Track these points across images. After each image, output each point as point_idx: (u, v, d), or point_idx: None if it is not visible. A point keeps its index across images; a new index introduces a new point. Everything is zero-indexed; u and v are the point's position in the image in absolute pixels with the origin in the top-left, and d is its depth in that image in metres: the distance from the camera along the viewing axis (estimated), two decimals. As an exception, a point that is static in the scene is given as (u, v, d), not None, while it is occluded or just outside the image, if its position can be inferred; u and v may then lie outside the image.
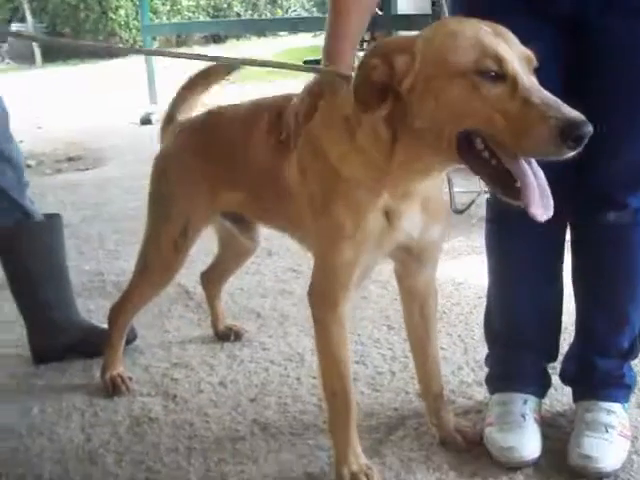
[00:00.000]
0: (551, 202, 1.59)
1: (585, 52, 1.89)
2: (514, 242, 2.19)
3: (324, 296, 1.94)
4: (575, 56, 1.91)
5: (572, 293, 2.23)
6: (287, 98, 2.04)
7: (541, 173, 1.60)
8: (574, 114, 1.45)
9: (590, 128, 1.45)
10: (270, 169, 2.06)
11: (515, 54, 1.54)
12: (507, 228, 2.19)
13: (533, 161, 1.59)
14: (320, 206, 1.86)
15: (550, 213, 1.59)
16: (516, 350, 2.24)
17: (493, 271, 2.28)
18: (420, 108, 1.61)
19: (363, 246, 1.84)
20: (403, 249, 1.94)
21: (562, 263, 2.22)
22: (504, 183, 1.60)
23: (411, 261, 2.03)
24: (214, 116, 2.38)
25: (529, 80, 1.53)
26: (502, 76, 1.52)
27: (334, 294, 1.91)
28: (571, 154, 1.49)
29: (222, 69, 2.57)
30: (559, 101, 1.48)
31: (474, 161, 1.60)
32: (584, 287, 2.19)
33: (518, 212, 2.12)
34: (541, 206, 1.58)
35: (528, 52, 1.58)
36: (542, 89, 1.51)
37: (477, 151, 1.58)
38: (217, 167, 2.26)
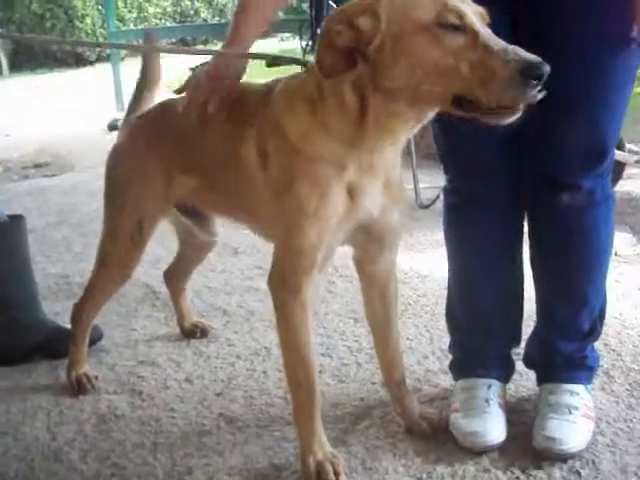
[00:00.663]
0: None
1: (534, 21, 1.93)
2: (472, 229, 2.21)
3: (286, 279, 1.92)
4: (525, 24, 1.94)
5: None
6: (241, 85, 2.07)
7: None
8: (532, 56, 1.53)
9: (547, 67, 1.52)
10: (226, 154, 2.05)
11: (471, 10, 1.60)
12: (465, 215, 2.22)
13: None
14: (282, 187, 1.85)
15: None
16: (478, 337, 2.26)
17: (453, 259, 2.30)
18: (390, 67, 1.63)
19: (327, 225, 1.83)
20: (363, 231, 1.94)
21: (521, 248, 2.24)
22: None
23: (371, 245, 2.03)
24: (165, 107, 2.38)
25: (487, 31, 1.59)
26: (462, 29, 1.58)
27: (297, 277, 1.89)
28: (535, 96, 1.55)
29: (156, 62, 2.60)
30: (516, 47, 1.55)
31: (467, 108, 1.63)
32: (542, 271, 2.20)
33: (476, 199, 2.16)
34: None
35: (481, 9, 1.63)
36: (499, 39, 1.58)
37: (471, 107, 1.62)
38: (170, 156, 2.26)
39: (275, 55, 2.12)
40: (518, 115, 1.61)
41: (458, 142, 2.10)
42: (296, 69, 2.07)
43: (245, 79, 2.08)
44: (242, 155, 1.97)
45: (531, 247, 2.21)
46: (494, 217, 2.16)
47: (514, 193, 2.12)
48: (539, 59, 1.52)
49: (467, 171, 2.14)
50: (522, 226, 2.21)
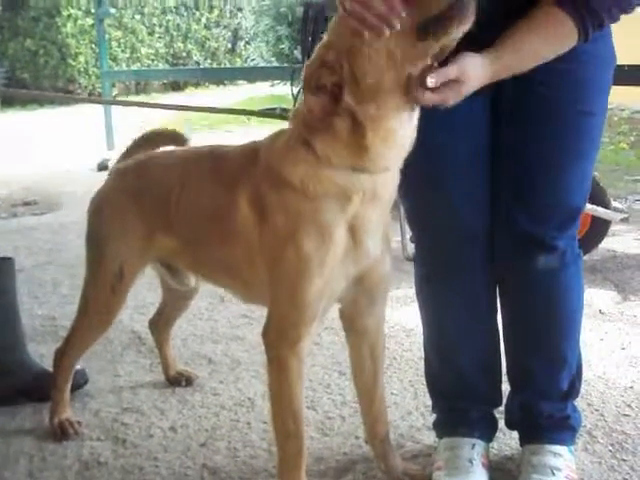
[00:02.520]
0: None
1: (512, 99, 1.99)
2: (444, 296, 2.23)
3: (286, 332, 1.93)
4: (503, 100, 2.00)
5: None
6: (220, 147, 2.16)
7: None
8: None
9: None
10: (211, 216, 2.09)
11: None
12: (437, 284, 2.24)
13: None
14: (282, 240, 1.87)
15: None
16: (460, 401, 2.27)
17: (427, 326, 2.32)
18: (366, 66, 1.71)
19: (332, 272, 1.86)
20: (358, 280, 1.95)
21: (495, 310, 2.26)
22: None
23: (363, 298, 2.05)
24: (149, 160, 2.42)
25: None
26: None
27: (299, 329, 1.91)
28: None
29: (168, 137, 2.63)
30: None
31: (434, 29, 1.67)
32: (518, 332, 2.22)
33: (445, 263, 2.18)
34: None
35: None
36: None
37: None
38: (151, 211, 2.28)
39: (255, 111, 2.15)
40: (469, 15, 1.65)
41: (431, 203, 2.13)
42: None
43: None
44: (232, 215, 1.99)
45: (504, 309, 2.23)
46: (467, 282, 2.18)
47: (487, 256, 2.15)
48: None
49: (439, 236, 2.17)
50: (495, 289, 2.23)
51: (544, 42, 1.83)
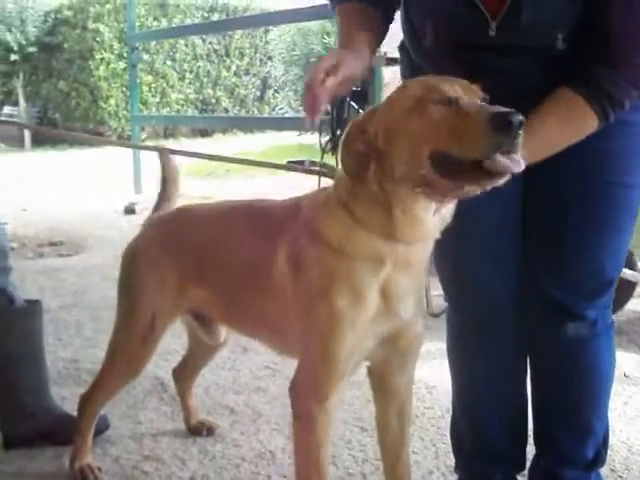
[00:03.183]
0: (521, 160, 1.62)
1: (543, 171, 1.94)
2: (475, 357, 2.23)
3: (316, 388, 1.92)
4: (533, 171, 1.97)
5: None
6: (259, 201, 2.16)
7: None
8: (502, 108, 1.56)
9: (520, 117, 1.54)
10: (250, 268, 2.09)
11: (460, 86, 1.67)
12: (467, 343, 2.24)
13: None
14: (318, 295, 1.87)
15: (521, 167, 1.61)
16: (484, 462, 2.26)
17: (457, 384, 2.31)
18: (395, 151, 1.71)
19: (363, 330, 1.86)
20: (391, 338, 1.95)
21: (525, 372, 2.25)
22: (479, 174, 1.62)
23: (394, 356, 2.04)
24: (184, 213, 2.45)
25: (472, 100, 1.64)
26: (447, 102, 1.64)
27: (327, 385, 1.90)
28: (509, 140, 1.55)
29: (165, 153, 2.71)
30: (497, 106, 1.58)
31: (450, 173, 1.64)
32: (545, 398, 2.21)
33: (481, 328, 2.18)
34: (510, 163, 1.60)
35: (473, 85, 1.70)
36: (484, 104, 1.63)
37: (451, 164, 1.63)
38: (185, 266, 2.30)
39: (305, 169, 2.19)
40: (500, 181, 1.62)
41: (461, 273, 2.15)
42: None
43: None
44: (269, 268, 2.00)
45: (532, 375, 2.22)
46: (498, 347, 2.19)
47: (517, 322, 2.15)
48: (509, 110, 1.55)
49: (470, 303, 2.18)
50: (525, 353, 2.22)
51: (563, 130, 1.83)
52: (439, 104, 1.64)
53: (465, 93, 1.66)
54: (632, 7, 1.77)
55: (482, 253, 2.07)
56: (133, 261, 2.46)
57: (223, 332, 2.72)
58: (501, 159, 1.57)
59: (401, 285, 1.86)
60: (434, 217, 1.79)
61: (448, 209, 1.81)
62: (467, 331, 2.23)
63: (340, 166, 1.81)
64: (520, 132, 1.55)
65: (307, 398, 1.94)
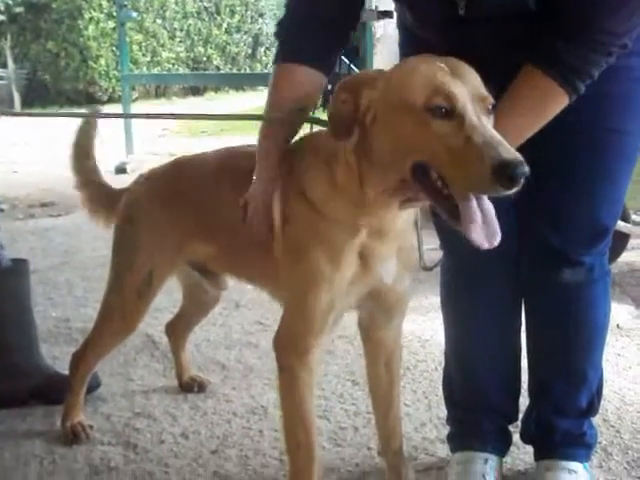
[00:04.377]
0: (497, 233, 1.60)
1: None
2: (470, 305, 2.21)
3: (295, 343, 1.92)
4: None
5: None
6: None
7: (489, 206, 1.61)
8: (510, 155, 1.48)
9: (526, 169, 1.47)
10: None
11: (468, 93, 1.58)
12: (462, 291, 2.22)
13: (484, 197, 1.61)
14: (299, 251, 1.86)
15: (495, 242, 1.60)
16: (476, 412, 2.25)
17: (450, 334, 2.30)
18: (378, 140, 1.66)
19: (339, 290, 1.84)
20: (373, 297, 1.94)
21: (520, 323, 2.24)
22: (451, 210, 1.61)
23: (380, 312, 2.03)
24: (182, 165, 2.39)
25: (477, 119, 1.55)
26: (452, 113, 1.56)
27: (307, 339, 1.90)
28: (508, 192, 1.50)
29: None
30: (502, 141, 1.51)
31: (428, 189, 1.62)
32: (539, 346, 2.20)
33: (475, 276, 2.16)
34: (483, 237, 1.59)
35: (483, 92, 1.61)
36: (488, 127, 1.55)
37: (431, 180, 1.60)
38: (185, 217, 2.26)
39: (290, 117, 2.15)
40: (458, 228, 1.60)
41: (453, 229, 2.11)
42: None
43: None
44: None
45: (528, 323, 2.21)
46: (493, 293, 2.17)
47: (514, 269, 2.13)
48: (518, 158, 1.47)
49: (466, 249, 2.14)
50: (521, 301, 2.21)
51: (535, 117, 1.78)
52: (443, 117, 1.56)
53: (474, 101, 1.57)
54: None
55: None
56: (130, 218, 2.41)
57: (227, 282, 2.70)
58: (477, 227, 1.57)
59: (379, 251, 1.85)
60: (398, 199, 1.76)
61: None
62: (462, 279, 2.21)
63: (327, 120, 1.77)
64: (519, 184, 1.49)
65: (288, 352, 1.94)
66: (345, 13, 1.97)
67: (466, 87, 1.59)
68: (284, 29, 2.01)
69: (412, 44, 2.02)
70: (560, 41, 1.71)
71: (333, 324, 1.93)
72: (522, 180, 1.48)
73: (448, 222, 1.63)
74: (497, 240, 1.60)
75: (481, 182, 1.50)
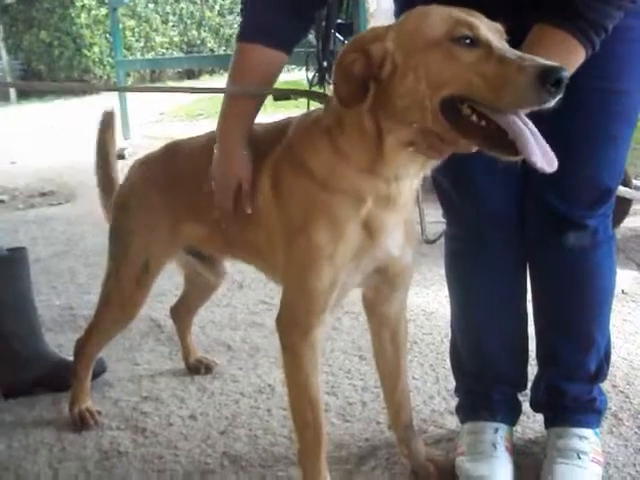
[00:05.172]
0: (554, 157, 1.57)
1: None
2: (476, 274, 2.19)
3: (298, 320, 1.90)
4: None
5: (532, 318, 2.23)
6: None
7: (532, 125, 1.58)
8: (550, 62, 1.48)
9: (566, 73, 1.47)
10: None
11: (485, 24, 1.58)
12: (468, 261, 2.20)
13: (522, 114, 1.57)
14: (297, 226, 1.83)
15: (555, 165, 1.56)
16: (485, 381, 2.24)
17: (456, 304, 2.29)
18: (401, 86, 1.61)
19: (343, 266, 1.82)
20: (378, 271, 1.92)
21: (525, 290, 2.22)
22: (498, 142, 1.57)
23: (384, 286, 2.01)
24: (173, 149, 2.36)
25: (502, 44, 1.56)
26: (476, 42, 1.55)
27: (309, 318, 1.88)
28: (554, 99, 1.49)
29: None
30: (534, 56, 1.50)
31: (464, 127, 1.58)
32: (546, 311, 2.18)
33: (479, 245, 2.14)
34: (541, 155, 1.55)
35: (498, 25, 1.61)
36: (515, 50, 1.54)
37: (464, 117, 1.57)
38: (178, 200, 2.24)
39: (292, 90, 2.13)
40: (515, 159, 1.57)
41: (460, 187, 2.10)
42: (304, 103, 2.06)
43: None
44: (255, 194, 1.95)
45: (534, 288, 2.19)
46: (498, 261, 2.15)
47: (518, 235, 2.11)
48: (557, 64, 1.48)
49: (470, 216, 2.13)
50: (525, 268, 2.19)
51: None
52: (469, 46, 1.54)
53: (492, 33, 1.57)
54: None
55: (482, 164, 2.01)
56: (124, 205, 2.40)
57: (225, 268, 2.69)
58: (535, 150, 1.53)
59: (386, 221, 1.82)
60: (425, 161, 1.74)
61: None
62: (465, 248, 2.19)
63: (332, 89, 1.74)
64: (563, 90, 1.48)
65: (290, 331, 1.92)
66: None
67: (482, 21, 1.59)
68: (247, 7, 2.00)
69: None
70: None
71: (337, 301, 1.91)
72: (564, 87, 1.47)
73: (497, 154, 1.59)
74: (556, 164, 1.56)
75: (527, 91, 1.48)
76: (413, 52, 1.59)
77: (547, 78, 1.46)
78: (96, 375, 2.76)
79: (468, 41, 1.55)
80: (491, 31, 1.58)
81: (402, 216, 1.85)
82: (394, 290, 2.04)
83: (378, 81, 1.64)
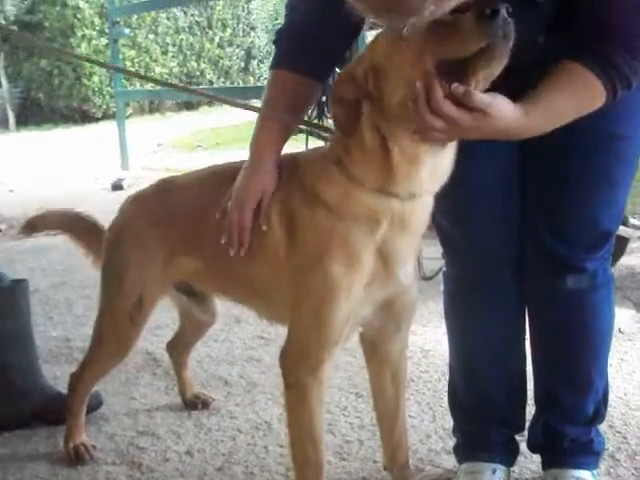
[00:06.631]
0: None
1: None
2: (475, 315, 2.20)
3: (307, 356, 1.89)
4: None
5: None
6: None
7: None
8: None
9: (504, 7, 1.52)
10: None
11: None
12: (467, 301, 2.21)
13: None
14: (312, 260, 1.84)
15: None
16: (483, 423, 2.24)
17: (454, 344, 2.29)
18: (389, 85, 1.67)
19: (359, 296, 1.83)
20: (386, 305, 1.93)
21: (524, 331, 2.22)
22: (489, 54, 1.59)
23: (389, 322, 2.02)
24: (167, 185, 2.38)
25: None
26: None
27: (321, 352, 1.88)
28: (496, 34, 1.53)
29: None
30: None
31: (460, 71, 1.61)
32: (545, 353, 2.19)
33: (478, 285, 2.15)
34: None
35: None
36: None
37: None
38: (173, 234, 2.24)
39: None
40: (505, 56, 1.59)
41: (460, 228, 2.11)
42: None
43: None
44: (262, 232, 1.96)
45: (532, 331, 2.20)
46: (497, 302, 2.16)
47: (517, 276, 2.12)
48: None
49: (469, 257, 2.14)
50: (524, 308, 2.20)
51: (573, 105, 1.75)
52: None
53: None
54: None
55: (482, 206, 2.04)
56: (117, 241, 2.40)
57: (216, 306, 2.69)
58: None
59: (399, 247, 1.83)
60: (436, 167, 1.76)
61: (446, 165, 1.77)
62: (465, 287, 2.20)
63: (332, 122, 1.79)
64: (508, 19, 1.53)
65: (298, 367, 1.91)
66: (342, 34, 1.98)
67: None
68: (282, 38, 2.03)
69: None
70: (612, 46, 1.70)
71: (348, 335, 1.92)
72: (505, 16, 1.52)
73: (491, 65, 1.61)
74: None
75: (471, 30, 1.54)
76: (385, 50, 1.68)
77: (483, 11, 1.52)
78: (92, 409, 2.76)
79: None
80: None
81: (415, 241, 1.87)
82: (398, 326, 2.05)
83: (370, 97, 1.71)
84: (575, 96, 1.74)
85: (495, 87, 1.66)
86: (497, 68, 1.60)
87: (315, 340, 1.88)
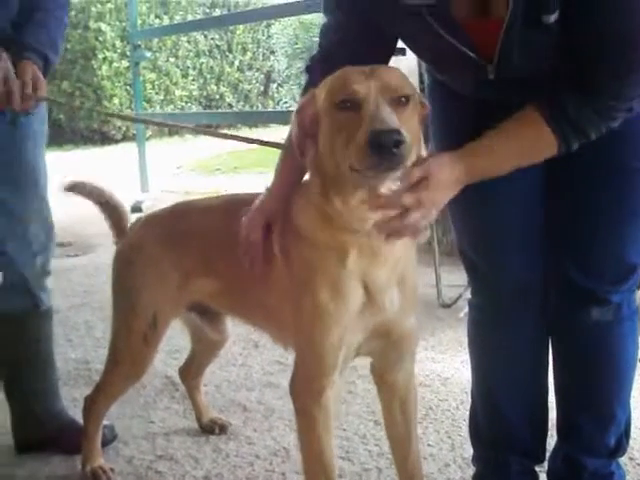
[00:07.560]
0: None
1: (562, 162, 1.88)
2: (497, 343, 2.20)
3: (310, 383, 1.92)
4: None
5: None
6: (259, 194, 2.09)
7: None
8: (384, 125, 1.55)
9: (396, 136, 1.54)
10: None
11: (375, 86, 1.64)
12: (491, 331, 2.21)
13: None
14: (302, 287, 1.88)
15: None
16: (503, 451, 2.23)
17: (477, 372, 2.28)
18: (320, 142, 1.73)
19: (347, 321, 1.85)
20: (381, 334, 1.94)
21: (547, 361, 2.22)
22: None
23: (390, 351, 2.02)
24: (182, 208, 2.43)
25: (376, 105, 1.61)
26: (354, 105, 1.64)
27: (320, 380, 1.90)
28: (382, 164, 1.58)
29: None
30: (386, 118, 1.57)
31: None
32: (567, 384, 2.18)
33: (502, 314, 2.15)
34: None
35: (393, 84, 1.67)
36: (386, 111, 1.60)
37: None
38: (189, 255, 2.27)
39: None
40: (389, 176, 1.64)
41: (485, 257, 2.11)
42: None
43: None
44: (273, 258, 1.99)
45: (555, 362, 2.20)
46: (521, 331, 2.16)
47: (541, 306, 2.12)
48: (389, 127, 1.55)
49: (494, 286, 2.14)
50: (548, 339, 2.19)
51: (520, 151, 1.78)
52: (346, 109, 1.65)
53: (380, 91, 1.64)
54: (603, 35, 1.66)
55: (507, 236, 2.05)
56: (129, 260, 2.42)
57: (229, 326, 2.70)
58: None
59: (380, 278, 1.85)
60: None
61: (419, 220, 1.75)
62: (489, 316, 2.20)
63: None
64: (396, 151, 1.54)
65: (303, 393, 1.95)
66: (373, 58, 1.99)
67: (373, 81, 1.65)
68: (313, 64, 2.04)
69: (441, 90, 2.03)
70: (571, 97, 1.70)
71: (344, 362, 1.93)
72: (396, 148, 1.54)
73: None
74: None
75: (361, 155, 1.58)
76: (322, 115, 1.73)
77: (372, 143, 1.54)
78: (106, 443, 2.75)
79: (348, 104, 1.65)
80: (381, 90, 1.64)
81: (395, 273, 1.88)
82: (400, 357, 2.06)
83: (310, 136, 1.77)
84: (523, 144, 1.77)
85: (508, 102, 1.68)
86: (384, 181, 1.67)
87: (314, 366, 1.91)
